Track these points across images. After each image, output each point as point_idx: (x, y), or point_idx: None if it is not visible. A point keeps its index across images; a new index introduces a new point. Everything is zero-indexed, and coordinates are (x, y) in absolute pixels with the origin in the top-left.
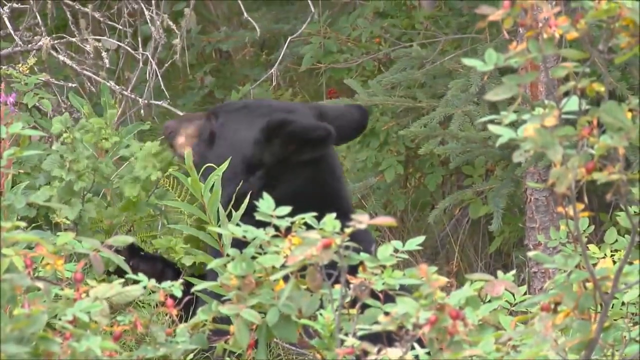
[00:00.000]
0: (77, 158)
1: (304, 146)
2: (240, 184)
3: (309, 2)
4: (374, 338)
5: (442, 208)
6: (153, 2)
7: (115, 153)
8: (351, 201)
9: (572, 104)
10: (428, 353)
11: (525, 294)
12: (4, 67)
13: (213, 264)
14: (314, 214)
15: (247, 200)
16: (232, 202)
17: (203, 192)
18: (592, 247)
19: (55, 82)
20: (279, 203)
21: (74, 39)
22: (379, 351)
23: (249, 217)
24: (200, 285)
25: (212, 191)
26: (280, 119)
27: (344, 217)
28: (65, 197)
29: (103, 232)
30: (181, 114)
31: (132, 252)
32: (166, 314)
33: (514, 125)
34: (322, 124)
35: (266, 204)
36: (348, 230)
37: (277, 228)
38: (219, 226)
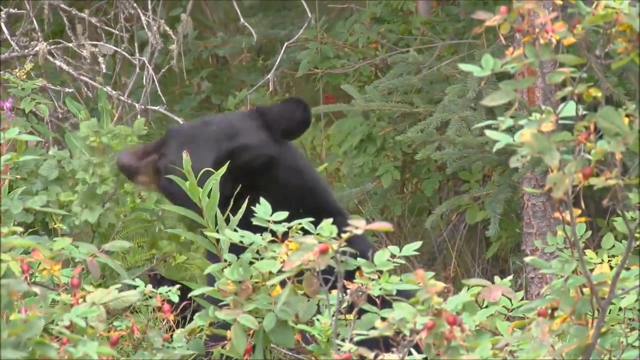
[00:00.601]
0: (102, 162)
1: (252, 174)
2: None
3: (306, 7)
4: (371, 343)
5: (439, 213)
6: (150, 7)
7: (112, 158)
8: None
9: (569, 109)
10: (425, 359)
11: (522, 299)
12: (0, 72)
13: (210, 269)
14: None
15: (245, 204)
16: None
17: (201, 196)
18: (589, 253)
19: (52, 87)
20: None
21: (70, 44)
22: (375, 357)
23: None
24: (197, 291)
25: (210, 196)
26: (228, 151)
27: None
28: (87, 200)
29: (100, 237)
30: (178, 119)
31: (155, 281)
32: (163, 320)
33: (511, 130)
34: (261, 152)
35: (263, 209)
36: (345, 236)
37: (274, 233)
38: (217, 231)
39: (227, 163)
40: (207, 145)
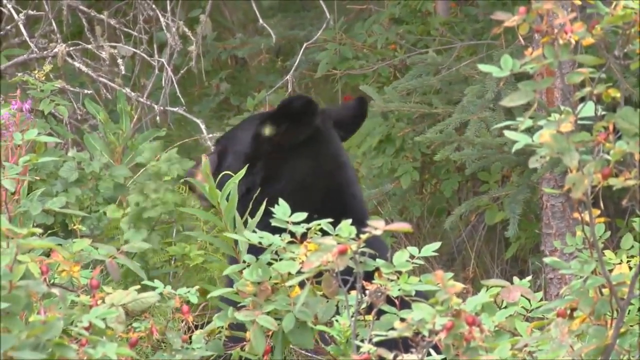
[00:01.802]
0: (157, 187)
1: (293, 123)
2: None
3: (325, 8)
4: (390, 344)
5: (458, 214)
6: (169, 8)
7: (131, 159)
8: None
9: (588, 109)
10: (444, 359)
11: (541, 300)
12: (19, 74)
13: (229, 270)
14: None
15: (263, 206)
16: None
17: (219, 199)
18: (608, 253)
19: (71, 88)
20: (283, 195)
21: (89, 46)
22: (395, 357)
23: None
24: (216, 292)
25: (229, 198)
26: (265, 114)
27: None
28: (135, 221)
29: (119, 239)
30: (197, 120)
31: None
32: (182, 321)
33: (530, 131)
34: (301, 95)
35: (282, 210)
36: (364, 237)
37: (292, 234)
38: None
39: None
40: (257, 117)
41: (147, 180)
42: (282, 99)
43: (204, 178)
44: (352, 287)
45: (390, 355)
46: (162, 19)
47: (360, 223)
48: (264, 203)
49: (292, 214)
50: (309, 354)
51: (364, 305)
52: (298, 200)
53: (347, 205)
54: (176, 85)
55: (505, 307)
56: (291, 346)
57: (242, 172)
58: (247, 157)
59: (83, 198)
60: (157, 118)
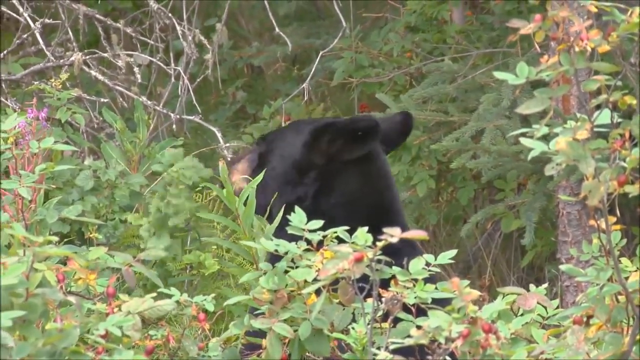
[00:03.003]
0: (179, 193)
1: (351, 140)
2: (293, 189)
3: (341, 17)
4: (407, 352)
5: (474, 222)
6: (185, 17)
7: (148, 168)
8: (403, 211)
9: (604, 117)
10: None
11: (557, 307)
12: (36, 83)
13: (245, 277)
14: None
15: (282, 212)
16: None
17: (237, 205)
18: (625, 261)
19: (88, 97)
20: (333, 210)
21: (105, 55)
22: None
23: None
24: (233, 300)
25: (247, 204)
26: (328, 121)
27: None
28: (157, 228)
29: (135, 246)
30: (213, 129)
31: None
32: (199, 328)
33: (546, 138)
34: (367, 116)
35: (298, 218)
36: (380, 244)
37: (309, 242)
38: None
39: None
40: (306, 123)
41: (167, 186)
42: (347, 118)
43: (223, 183)
44: (369, 295)
45: None
46: (178, 28)
47: (408, 246)
48: (282, 211)
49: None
50: None
51: (380, 313)
52: (343, 214)
53: (391, 223)
54: (192, 94)
55: (522, 315)
56: (307, 354)
57: (261, 175)
58: (296, 164)
59: (99, 206)
60: (174, 126)
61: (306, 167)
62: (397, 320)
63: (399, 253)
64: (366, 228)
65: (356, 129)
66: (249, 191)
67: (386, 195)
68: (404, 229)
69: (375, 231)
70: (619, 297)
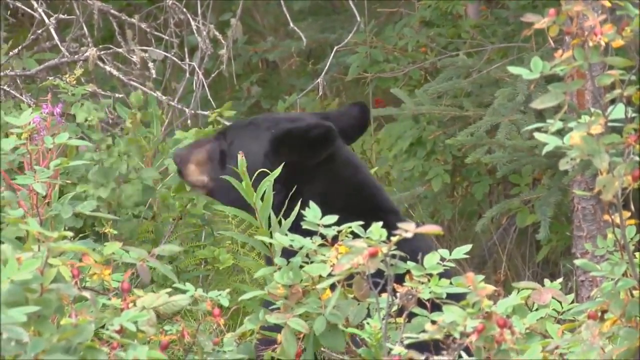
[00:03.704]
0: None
1: (310, 148)
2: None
3: (355, 11)
4: (421, 347)
5: (490, 217)
6: (199, 12)
7: (162, 163)
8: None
9: (618, 111)
10: None
11: (573, 302)
12: (51, 78)
13: (260, 272)
14: (361, 222)
15: (296, 210)
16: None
17: (255, 198)
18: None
19: (102, 92)
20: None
21: (120, 50)
22: None
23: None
24: (248, 295)
25: (264, 198)
26: (285, 128)
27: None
28: (100, 179)
29: (150, 242)
30: (227, 123)
31: None
32: (213, 324)
33: (561, 133)
34: (320, 122)
35: (313, 213)
36: (395, 239)
37: (323, 237)
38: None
39: (282, 149)
40: (266, 127)
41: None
42: (300, 123)
43: (241, 176)
44: (383, 290)
45: (422, 358)
46: (193, 23)
47: (393, 214)
48: (298, 205)
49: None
50: (340, 357)
51: (395, 308)
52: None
53: (372, 200)
54: (207, 89)
55: (537, 310)
56: (322, 349)
57: (277, 171)
58: (260, 175)
59: (111, 201)
60: (188, 122)
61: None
62: (411, 315)
63: (384, 219)
64: (380, 223)
65: (310, 137)
66: (266, 185)
67: (358, 182)
68: (388, 202)
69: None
70: (634, 292)
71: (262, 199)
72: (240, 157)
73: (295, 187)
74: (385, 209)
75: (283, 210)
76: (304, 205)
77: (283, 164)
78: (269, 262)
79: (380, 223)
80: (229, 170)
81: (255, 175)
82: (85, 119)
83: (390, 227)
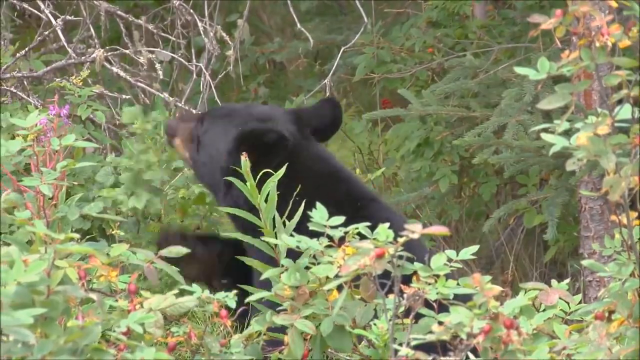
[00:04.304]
0: (147, 148)
1: (263, 153)
2: (224, 198)
3: (362, 12)
4: (428, 348)
5: (497, 217)
6: (206, 13)
7: (169, 165)
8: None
9: (625, 112)
10: None
11: (580, 302)
12: (57, 79)
13: (268, 273)
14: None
15: (301, 209)
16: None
17: (259, 199)
18: None
19: (109, 93)
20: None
21: (127, 51)
22: None
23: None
24: (255, 296)
25: (268, 199)
26: (244, 130)
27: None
28: (132, 187)
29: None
30: None
31: (185, 236)
32: (221, 325)
33: (568, 134)
34: (273, 128)
35: (319, 214)
36: (401, 240)
37: (330, 238)
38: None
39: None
40: (236, 123)
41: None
42: (253, 130)
43: (245, 177)
44: (390, 291)
45: (429, 359)
46: (199, 24)
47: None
48: (302, 205)
49: None
50: (347, 358)
51: (402, 309)
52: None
53: (352, 189)
54: (214, 90)
55: (544, 310)
56: (329, 350)
57: (282, 170)
58: (223, 170)
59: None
60: None
61: (232, 175)
62: (418, 316)
63: (367, 208)
64: (387, 224)
65: (264, 142)
66: (270, 186)
67: (330, 173)
68: (367, 194)
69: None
70: None
71: (266, 200)
72: (244, 159)
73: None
74: (365, 197)
75: None
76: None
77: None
78: (270, 262)
79: (387, 224)
80: (201, 159)
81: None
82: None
83: (375, 215)
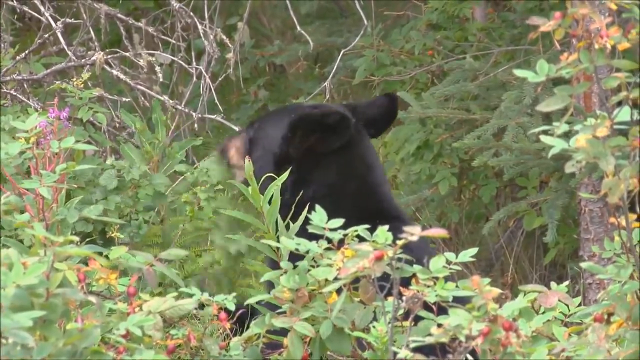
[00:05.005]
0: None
1: (325, 134)
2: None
3: (362, 15)
4: (427, 350)
5: (497, 220)
6: (206, 16)
7: (169, 168)
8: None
9: (624, 114)
10: None
11: (580, 305)
12: (58, 82)
13: (267, 276)
14: (366, 226)
15: (305, 211)
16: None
17: (262, 202)
18: None
19: (109, 96)
20: (315, 200)
21: (127, 54)
22: None
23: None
24: (254, 298)
25: (271, 202)
26: (303, 112)
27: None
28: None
29: (157, 246)
30: (235, 128)
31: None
32: (220, 327)
33: (568, 136)
34: (337, 109)
35: (319, 217)
36: (400, 242)
37: (329, 240)
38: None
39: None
40: (288, 113)
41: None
42: (319, 109)
43: (249, 181)
44: (389, 293)
45: None
46: (199, 27)
47: (397, 220)
48: (306, 208)
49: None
50: None
51: (401, 312)
52: (329, 206)
53: (379, 204)
54: (214, 93)
55: (543, 313)
56: (329, 352)
57: (285, 175)
58: (275, 156)
59: (122, 206)
60: (195, 126)
61: (283, 161)
62: (418, 319)
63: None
64: (386, 227)
65: (326, 123)
66: (273, 190)
67: (368, 178)
68: (395, 209)
69: (363, 217)
70: None
71: (269, 202)
72: (248, 162)
73: (303, 175)
74: (389, 215)
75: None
76: (307, 197)
77: (289, 170)
78: (273, 265)
79: (387, 227)
80: (254, 156)
81: (263, 178)
82: (88, 119)
83: (393, 231)
